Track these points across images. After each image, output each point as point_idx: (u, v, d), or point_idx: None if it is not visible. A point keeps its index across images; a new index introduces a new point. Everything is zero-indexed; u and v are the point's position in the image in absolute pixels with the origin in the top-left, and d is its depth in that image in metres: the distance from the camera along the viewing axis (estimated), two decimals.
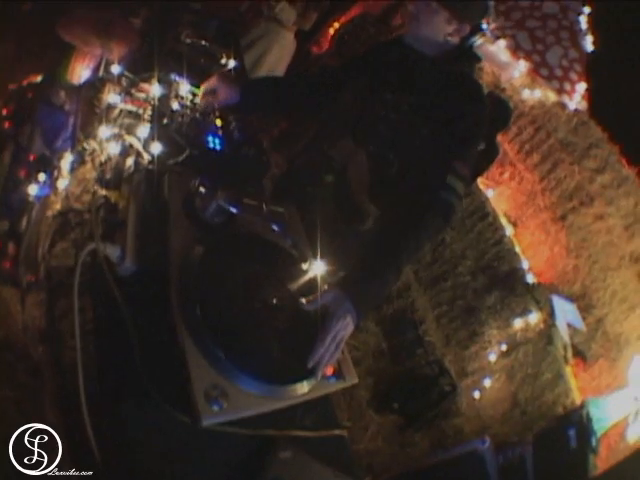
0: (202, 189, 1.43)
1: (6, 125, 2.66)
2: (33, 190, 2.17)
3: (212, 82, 2.10)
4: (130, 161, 1.61)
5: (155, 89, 1.88)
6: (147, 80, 2.01)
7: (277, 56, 4.29)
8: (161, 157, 1.61)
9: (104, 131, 1.74)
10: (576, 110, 5.08)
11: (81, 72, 2.76)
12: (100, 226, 1.42)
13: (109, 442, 1.21)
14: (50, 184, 2.15)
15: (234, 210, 1.46)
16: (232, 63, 2.58)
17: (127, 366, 1.23)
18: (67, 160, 2.09)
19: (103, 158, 1.72)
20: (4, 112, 2.75)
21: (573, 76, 5.21)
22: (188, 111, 1.92)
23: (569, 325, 4.06)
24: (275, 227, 1.53)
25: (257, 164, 1.87)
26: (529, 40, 5.20)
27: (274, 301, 1.40)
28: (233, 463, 1.22)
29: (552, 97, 5.06)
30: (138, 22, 3.04)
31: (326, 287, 1.50)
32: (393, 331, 3.98)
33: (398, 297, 4.04)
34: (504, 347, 3.95)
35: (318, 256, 1.50)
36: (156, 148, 1.61)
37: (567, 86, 5.11)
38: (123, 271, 1.35)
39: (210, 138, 1.83)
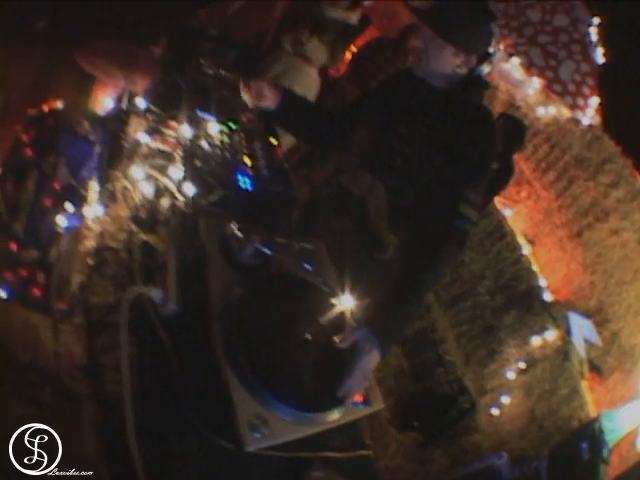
0: (238, 233, 1.53)
1: (28, 152, 2.72)
2: (62, 221, 2.26)
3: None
4: (165, 202, 1.71)
5: (185, 130, 1.96)
6: (174, 117, 2.10)
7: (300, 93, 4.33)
8: (194, 198, 1.71)
9: (137, 171, 1.84)
10: (589, 125, 5.13)
11: (104, 101, 2.83)
12: (141, 269, 1.51)
13: (155, 469, 1.29)
14: (78, 215, 2.24)
15: (268, 251, 1.57)
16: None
17: (171, 399, 1.35)
18: (94, 190, 2.18)
19: (136, 198, 1.82)
20: (24, 138, 2.82)
21: (586, 90, 5.24)
22: (218, 151, 2.01)
23: (585, 340, 4.14)
24: (307, 266, 1.64)
25: (286, 200, 1.97)
26: (542, 56, 5.25)
27: (308, 336, 1.51)
28: None
29: (566, 113, 5.10)
30: (157, 50, 3.13)
31: (354, 324, 1.61)
32: (414, 351, 4.06)
33: (419, 317, 4.09)
34: (522, 365, 4.02)
35: (346, 290, 1.58)
36: (189, 189, 1.71)
37: (580, 101, 5.15)
38: (165, 312, 1.43)
39: (240, 177, 1.91)
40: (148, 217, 1.73)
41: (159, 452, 1.31)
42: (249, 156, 2.08)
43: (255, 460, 1.31)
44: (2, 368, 2.23)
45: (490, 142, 1.96)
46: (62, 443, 2.01)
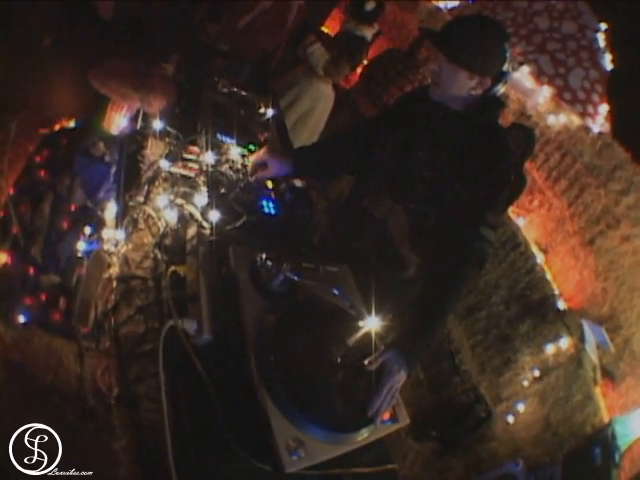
0: (268, 262, 1.55)
1: (42, 174, 2.71)
2: (81, 245, 2.27)
3: (261, 156, 2.17)
4: (192, 231, 1.73)
5: (208, 156, 1.98)
6: (194, 141, 2.12)
7: (308, 106, 4.39)
8: (219, 224, 1.73)
9: (160, 199, 1.86)
10: (600, 133, 5.11)
11: (119, 122, 2.84)
12: (173, 300, 1.53)
13: None
14: (97, 238, 2.25)
15: (297, 278, 1.59)
16: (270, 112, 2.67)
17: (208, 426, 1.38)
18: (112, 212, 2.19)
19: (161, 225, 1.83)
20: (38, 159, 2.80)
21: (595, 98, 5.27)
22: (241, 175, 2.03)
23: (598, 347, 4.14)
24: (334, 290, 1.66)
25: (309, 224, 1.98)
26: (551, 64, 5.28)
27: (338, 359, 1.54)
28: None
29: (576, 121, 5.11)
30: (170, 68, 3.14)
31: (381, 346, 1.65)
32: (430, 362, 4.09)
33: None
34: (537, 372, 4.05)
35: (372, 312, 1.61)
36: (215, 216, 1.73)
37: (590, 109, 5.18)
38: (200, 342, 1.46)
39: (264, 202, 1.93)
40: (174, 245, 1.74)
41: (199, 477, 1.34)
42: (271, 180, 2.10)
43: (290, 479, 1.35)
44: (22, 390, 2.24)
45: (508, 164, 1.99)
46: (84, 463, 2.03)
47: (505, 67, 1.94)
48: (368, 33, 4.35)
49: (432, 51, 2.00)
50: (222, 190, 1.90)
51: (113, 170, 2.47)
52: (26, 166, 2.73)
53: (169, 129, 2.27)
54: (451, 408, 3.89)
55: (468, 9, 6.32)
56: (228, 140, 2.22)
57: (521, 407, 3.97)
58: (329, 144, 2.52)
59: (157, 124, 2.28)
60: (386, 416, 1.59)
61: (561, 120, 5.07)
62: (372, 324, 1.57)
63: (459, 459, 3.78)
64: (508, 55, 1.93)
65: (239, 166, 2.08)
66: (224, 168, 2.03)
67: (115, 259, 1.92)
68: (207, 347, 1.47)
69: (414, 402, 3.86)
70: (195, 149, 2.11)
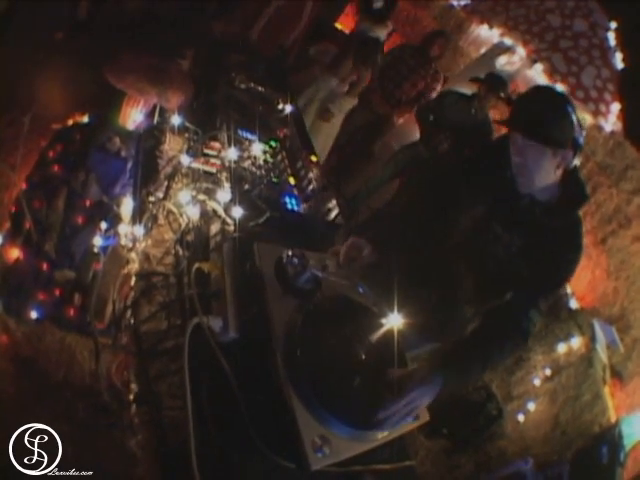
0: (295, 259, 1.53)
1: (55, 169, 2.69)
2: (97, 241, 2.25)
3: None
4: (215, 228, 1.71)
5: (230, 152, 1.96)
6: (215, 137, 2.10)
7: (324, 107, 4.40)
8: (243, 221, 1.71)
9: (182, 195, 1.84)
10: (612, 132, 5.11)
11: (135, 117, 2.81)
12: (198, 297, 1.51)
13: None
14: (113, 233, 2.23)
15: (321, 275, 1.58)
16: (288, 108, 2.65)
17: (232, 424, 1.38)
18: (127, 208, 2.17)
19: (182, 221, 1.81)
20: (51, 154, 2.78)
21: (607, 96, 5.24)
22: (263, 172, 2.01)
23: (608, 347, 4.15)
24: (359, 288, 1.65)
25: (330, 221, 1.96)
26: (563, 62, 5.24)
27: (363, 357, 1.54)
28: None
29: (589, 120, 5.08)
30: (185, 63, 3.12)
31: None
32: None
33: None
34: (548, 371, 4.04)
35: (395, 310, 1.59)
36: (238, 212, 1.70)
37: (602, 107, 5.13)
38: (225, 339, 1.45)
39: (287, 199, 1.91)
40: (197, 242, 1.72)
41: (222, 475, 1.35)
42: (293, 175, 2.08)
43: (311, 478, 1.35)
44: (32, 386, 2.23)
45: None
46: (92, 457, 1.96)
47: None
48: (382, 33, 4.34)
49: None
50: (245, 186, 1.88)
51: (129, 165, 2.45)
52: (39, 161, 2.71)
53: (187, 124, 2.25)
54: (463, 406, 3.84)
55: (481, 6, 6.28)
56: (249, 136, 2.20)
57: (531, 406, 3.96)
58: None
59: (175, 119, 2.26)
60: None
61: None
62: (395, 321, 1.56)
63: (469, 457, 3.78)
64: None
65: (261, 162, 2.06)
66: (246, 164, 2.01)
67: (134, 255, 1.90)
68: (232, 344, 1.46)
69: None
70: (216, 145, 2.09)
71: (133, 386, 1.71)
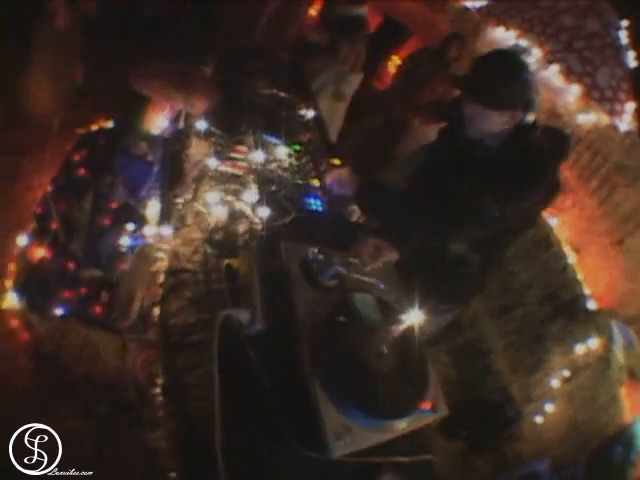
0: (320, 256, 1.63)
1: (81, 171, 2.79)
2: (125, 241, 2.35)
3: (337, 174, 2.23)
4: (243, 227, 1.81)
5: (257, 155, 2.06)
6: (240, 141, 2.20)
7: (335, 94, 4.48)
8: (270, 221, 1.81)
9: (211, 196, 1.94)
10: (627, 131, 5.15)
11: (160, 122, 2.91)
12: (227, 291, 1.60)
13: (241, 475, 1.40)
14: (140, 234, 2.33)
15: (344, 271, 1.68)
16: (311, 113, 2.77)
17: (258, 414, 1.46)
18: (154, 210, 2.27)
19: (211, 221, 1.91)
20: (76, 158, 2.88)
21: (622, 96, 5.28)
22: (289, 174, 2.11)
23: (625, 348, 4.14)
24: (380, 285, 1.74)
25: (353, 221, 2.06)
26: (578, 62, 5.28)
27: (384, 350, 1.60)
28: None
29: (605, 119, 5.12)
30: (208, 70, 3.22)
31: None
32: (462, 360, 4.17)
33: (468, 327, 4.23)
34: (566, 373, 4.05)
35: (415, 306, 1.67)
36: (264, 212, 1.81)
37: (617, 107, 5.17)
38: (252, 331, 1.54)
39: (311, 200, 2.01)
40: (225, 240, 1.82)
41: (244, 462, 1.42)
42: (316, 178, 2.18)
43: (333, 467, 1.43)
44: (54, 381, 2.34)
45: (534, 188, 2.12)
46: (112, 449, 2.12)
47: (532, 94, 2.02)
48: (362, 11, 4.44)
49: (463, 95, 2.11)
50: (272, 188, 1.98)
51: (155, 169, 2.55)
52: (64, 164, 2.81)
53: (213, 129, 2.34)
54: (481, 407, 3.94)
55: (496, 8, 6.34)
56: (273, 140, 2.30)
57: (549, 407, 3.99)
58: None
59: (201, 124, 2.35)
60: (427, 406, 1.65)
61: (591, 119, 5.09)
62: (415, 317, 1.63)
63: (486, 459, 3.82)
64: (532, 81, 2.03)
65: (286, 165, 2.16)
66: (272, 167, 2.11)
67: (162, 254, 1.99)
68: (258, 337, 1.55)
69: (445, 401, 3.93)
70: (242, 148, 2.19)
71: (159, 380, 1.79)
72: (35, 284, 2.36)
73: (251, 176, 2.04)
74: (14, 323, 2.38)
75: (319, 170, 2.26)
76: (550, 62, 5.33)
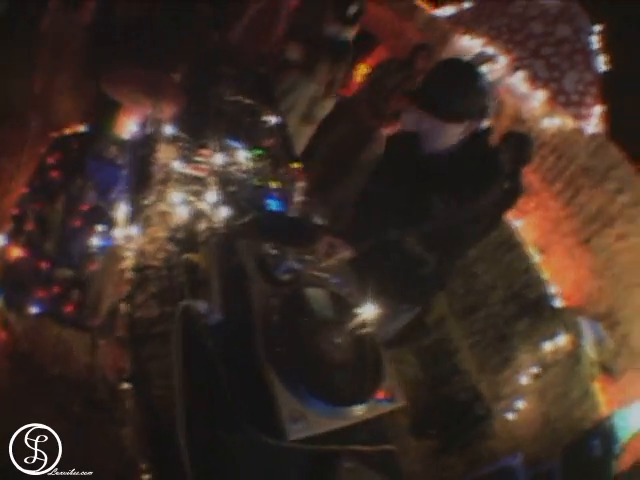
0: (273, 251, 1.78)
1: (54, 174, 2.91)
2: (95, 242, 2.48)
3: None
4: (203, 225, 1.95)
5: (218, 158, 2.21)
6: (204, 145, 2.34)
7: (306, 112, 4.52)
8: (229, 220, 1.96)
9: (174, 196, 2.08)
10: (594, 134, 5.29)
11: (129, 126, 3.04)
12: (187, 284, 1.74)
13: (202, 467, 1.48)
14: (109, 235, 2.46)
15: (299, 267, 1.82)
16: (274, 119, 2.90)
17: (217, 401, 1.56)
18: (123, 212, 2.39)
19: (174, 220, 2.05)
20: (50, 160, 2.98)
21: (589, 100, 5.48)
22: (248, 176, 2.26)
23: (597, 344, 4.29)
24: (334, 279, 1.90)
25: (310, 220, 2.21)
26: (545, 68, 5.47)
27: (337, 340, 1.72)
28: (305, 472, 1.56)
29: (570, 123, 5.29)
30: (177, 76, 3.35)
31: None
32: (430, 361, 4.29)
33: (434, 329, 4.39)
34: (535, 370, 4.20)
35: (369, 300, 1.81)
36: (224, 212, 1.95)
37: (584, 111, 5.37)
38: (211, 321, 1.66)
39: (270, 201, 2.16)
40: (187, 238, 1.95)
41: (206, 450, 1.51)
42: (275, 180, 2.33)
43: (292, 454, 1.53)
44: (30, 380, 2.41)
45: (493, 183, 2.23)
46: (86, 448, 2.16)
47: (487, 101, 2.11)
48: (351, 35, 4.54)
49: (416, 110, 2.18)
50: (231, 189, 2.12)
51: (125, 172, 2.68)
52: (38, 167, 2.92)
53: (179, 134, 2.48)
54: (450, 407, 4.06)
55: (464, 16, 6.53)
56: (235, 144, 2.44)
57: (520, 404, 4.11)
58: None
59: (168, 129, 2.48)
60: (382, 395, 1.74)
61: (555, 123, 5.27)
62: (368, 311, 1.77)
63: (459, 457, 3.92)
64: (486, 88, 2.11)
65: (247, 168, 2.31)
66: (233, 169, 2.25)
67: (130, 253, 2.12)
68: (217, 328, 1.67)
69: (414, 401, 4.02)
70: (205, 152, 2.32)
71: (127, 369, 1.91)
72: (11, 283, 2.47)
73: (212, 178, 2.18)
74: None
75: (278, 173, 2.40)
76: (516, 69, 5.51)
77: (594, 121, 5.46)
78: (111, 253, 2.37)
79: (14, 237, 2.62)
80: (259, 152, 2.49)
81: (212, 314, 1.66)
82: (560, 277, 4.83)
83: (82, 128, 3.22)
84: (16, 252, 2.54)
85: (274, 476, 1.53)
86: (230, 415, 1.53)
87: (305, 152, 4.59)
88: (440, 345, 4.43)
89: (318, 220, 2.26)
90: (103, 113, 3.10)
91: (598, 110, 5.54)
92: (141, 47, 3.79)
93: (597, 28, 6.11)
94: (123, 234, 2.20)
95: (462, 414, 3.96)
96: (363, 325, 1.79)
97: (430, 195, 2.06)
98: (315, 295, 1.82)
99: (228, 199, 2.05)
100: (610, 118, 5.70)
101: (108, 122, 3.05)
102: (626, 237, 4.66)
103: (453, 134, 2.13)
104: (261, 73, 3.62)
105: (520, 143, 4.24)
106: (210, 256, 1.80)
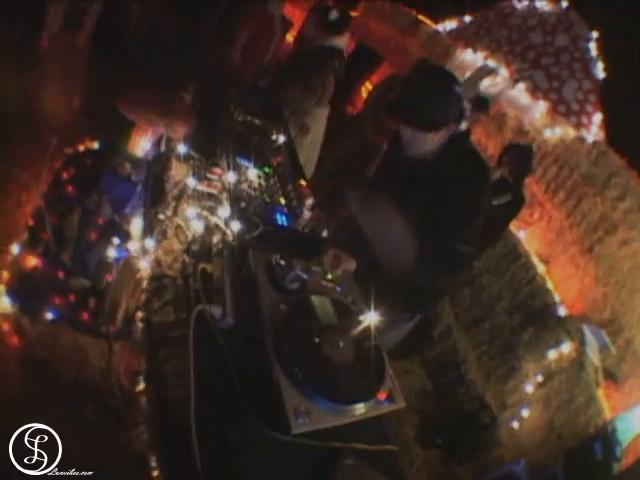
0: (282, 262, 1.98)
1: (69, 189, 3.10)
2: (111, 253, 2.68)
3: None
4: (216, 238, 2.16)
5: (230, 176, 2.43)
6: (216, 164, 2.56)
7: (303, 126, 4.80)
8: (240, 233, 2.16)
9: (189, 211, 2.30)
10: (594, 142, 5.41)
11: (143, 145, 3.25)
12: (202, 291, 1.95)
13: (214, 461, 1.63)
14: (124, 248, 2.65)
15: (306, 276, 2.03)
16: (282, 138, 3.11)
17: (228, 400, 1.72)
18: (137, 226, 2.59)
19: (189, 234, 2.26)
20: (65, 175, 3.17)
21: (589, 108, 5.65)
22: (258, 193, 2.47)
23: (600, 350, 4.44)
24: (338, 288, 2.11)
25: (317, 234, 2.43)
26: (545, 78, 5.64)
27: (340, 344, 1.90)
28: (309, 468, 1.70)
29: (571, 133, 5.41)
30: (188, 96, 3.57)
31: None
32: (437, 372, 4.48)
33: (440, 340, 4.57)
34: (540, 378, 4.34)
35: (371, 308, 1.97)
36: (236, 226, 2.16)
37: (584, 119, 5.53)
38: (224, 325, 1.85)
39: (278, 216, 2.37)
40: (201, 250, 2.16)
41: (216, 446, 1.65)
42: (284, 197, 2.54)
43: (297, 450, 1.67)
44: (43, 387, 2.45)
45: (480, 184, 2.39)
46: (99, 456, 2.21)
47: (462, 104, 2.30)
48: (341, 42, 4.69)
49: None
50: (242, 205, 2.34)
51: (139, 188, 2.88)
52: (53, 181, 3.10)
53: (191, 153, 2.69)
54: (457, 416, 4.20)
55: (466, 30, 6.70)
56: (245, 163, 2.65)
57: (526, 413, 4.25)
58: None
59: (181, 148, 2.70)
60: (382, 396, 1.91)
61: (557, 133, 5.40)
62: (370, 318, 1.94)
63: (466, 466, 4.07)
64: (461, 92, 2.29)
65: (256, 185, 2.52)
66: (243, 186, 2.47)
67: (146, 264, 2.32)
68: (230, 332, 1.85)
69: (421, 411, 4.21)
70: (217, 170, 2.54)
71: (143, 372, 2.08)
72: (27, 289, 2.60)
73: (224, 194, 2.39)
74: (6, 326, 2.55)
75: (286, 190, 2.62)
76: (517, 81, 5.68)
77: (594, 129, 5.60)
78: (126, 264, 2.55)
79: (30, 247, 2.77)
80: (268, 170, 2.71)
81: (225, 318, 1.85)
82: (564, 286, 4.97)
83: (96, 145, 3.40)
84: (32, 261, 2.64)
85: (279, 471, 1.67)
86: (239, 412, 1.68)
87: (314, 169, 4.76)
88: (446, 356, 4.59)
89: (324, 233, 2.46)
90: (118, 131, 3.31)
91: (598, 117, 5.69)
92: (152, 62, 4.02)
93: (595, 35, 6.30)
94: (138, 246, 2.40)
95: (468, 423, 4.09)
96: (366, 330, 1.95)
97: (419, 199, 2.27)
98: (320, 302, 2.00)
99: (239, 214, 2.25)
100: (611, 124, 5.83)
101: (123, 140, 3.25)
102: (628, 243, 4.79)
103: (433, 141, 2.33)
104: (268, 94, 3.81)
105: (522, 155, 4.44)
106: (223, 266, 2.01)
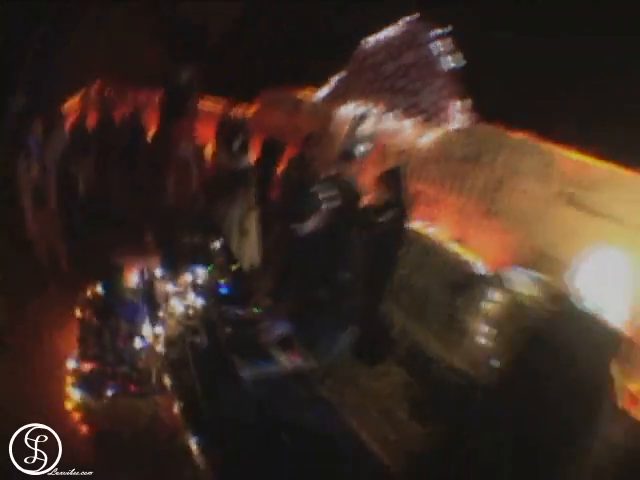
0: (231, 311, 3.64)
1: (93, 320, 4.62)
2: (138, 344, 4.22)
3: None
4: (192, 311, 3.89)
5: (188, 277, 4.12)
6: (180, 274, 4.26)
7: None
8: (205, 307, 3.88)
9: (176, 305, 3.96)
10: (459, 128, 6.20)
11: (134, 276, 4.86)
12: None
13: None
14: (145, 338, 4.21)
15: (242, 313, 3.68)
16: (217, 244, 5.05)
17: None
18: (147, 323, 4.21)
19: (178, 315, 3.93)
20: (86, 314, 4.70)
21: (446, 103, 6.37)
22: (210, 280, 4.20)
23: (532, 283, 4.62)
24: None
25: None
26: (404, 98, 6.52)
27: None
28: None
29: (439, 130, 6.25)
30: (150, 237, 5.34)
31: None
32: (411, 363, 5.27)
33: (402, 337, 5.45)
34: (487, 329, 4.74)
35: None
36: (201, 303, 3.84)
37: (445, 113, 6.33)
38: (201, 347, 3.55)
39: (222, 289, 4.09)
40: (186, 319, 3.80)
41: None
42: (224, 278, 4.24)
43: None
44: (109, 448, 2.91)
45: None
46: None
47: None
48: (246, 161, 5.88)
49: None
50: (200, 290, 3.98)
51: (141, 305, 4.51)
52: (80, 319, 4.71)
53: (163, 273, 4.35)
54: (440, 390, 4.89)
55: (337, 90, 7.70)
56: (197, 268, 4.47)
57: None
58: None
59: (158, 272, 4.36)
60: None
61: (428, 138, 6.27)
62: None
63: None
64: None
65: (207, 276, 4.32)
66: (199, 281, 4.18)
67: (161, 340, 3.96)
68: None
69: (411, 399, 4.90)
70: (181, 278, 4.26)
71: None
72: (87, 383, 3.98)
73: (189, 288, 4.08)
74: (77, 411, 3.18)
75: (224, 275, 4.32)
76: (384, 112, 6.58)
77: (456, 116, 6.32)
78: (150, 348, 4.12)
79: (82, 358, 4.18)
80: (211, 268, 4.37)
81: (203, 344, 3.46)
82: (485, 252, 5.50)
83: (99, 288, 4.94)
84: (87, 367, 4.07)
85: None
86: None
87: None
88: (412, 348, 5.36)
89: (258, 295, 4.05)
90: (114, 275, 4.89)
91: (458, 105, 6.36)
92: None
93: (439, 31, 6.68)
94: (152, 333, 3.95)
95: (451, 392, 4.68)
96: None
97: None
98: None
99: (200, 294, 3.94)
100: (480, 101, 6.34)
101: (118, 275, 4.84)
102: (515, 188, 5.43)
103: None
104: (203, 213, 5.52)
105: (392, 177, 5.36)
106: (203, 324, 3.58)
